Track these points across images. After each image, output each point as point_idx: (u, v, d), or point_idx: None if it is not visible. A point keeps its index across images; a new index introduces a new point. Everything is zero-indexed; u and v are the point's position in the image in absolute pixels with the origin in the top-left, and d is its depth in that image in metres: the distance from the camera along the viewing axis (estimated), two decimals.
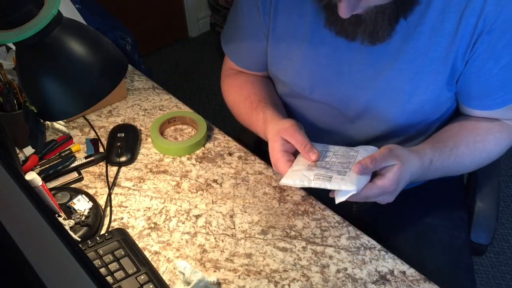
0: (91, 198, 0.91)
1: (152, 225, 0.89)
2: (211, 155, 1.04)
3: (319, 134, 0.98)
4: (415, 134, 0.98)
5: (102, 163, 1.01)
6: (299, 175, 0.81)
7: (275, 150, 0.86)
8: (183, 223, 0.89)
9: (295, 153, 0.87)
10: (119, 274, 0.77)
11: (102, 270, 0.78)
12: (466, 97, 0.91)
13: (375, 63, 0.88)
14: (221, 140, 1.07)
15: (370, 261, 0.83)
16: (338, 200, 0.78)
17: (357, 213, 1.04)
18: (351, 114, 0.96)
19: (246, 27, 1.00)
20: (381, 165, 0.79)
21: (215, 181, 0.98)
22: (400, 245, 0.95)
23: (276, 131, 0.87)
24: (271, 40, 0.97)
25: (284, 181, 0.82)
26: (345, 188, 0.77)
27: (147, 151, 1.05)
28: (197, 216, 0.91)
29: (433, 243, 0.99)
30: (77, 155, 1.02)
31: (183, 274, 0.77)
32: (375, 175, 0.81)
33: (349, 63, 0.90)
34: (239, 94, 1.05)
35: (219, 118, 2.40)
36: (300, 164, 0.83)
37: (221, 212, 0.91)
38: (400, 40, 0.84)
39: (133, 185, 0.97)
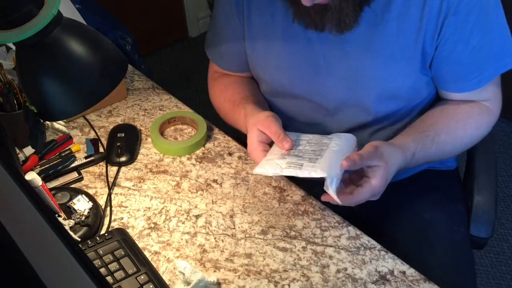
0: (91, 198, 0.91)
1: (152, 225, 0.89)
2: (211, 155, 1.04)
3: (303, 129, 1.00)
4: (396, 121, 0.99)
5: (102, 163, 1.01)
6: (272, 164, 0.83)
7: (251, 140, 0.89)
8: (183, 223, 0.89)
9: (271, 144, 0.90)
10: (119, 274, 0.77)
11: (102, 270, 0.78)
12: (441, 81, 0.93)
13: (348, 53, 0.90)
14: (221, 140, 1.07)
15: (370, 261, 0.83)
16: (328, 192, 0.79)
17: (358, 209, 1.04)
18: (331, 106, 0.98)
19: (224, 29, 1.03)
20: (367, 163, 0.81)
21: (215, 181, 0.98)
22: (400, 241, 0.95)
23: (253, 123, 0.90)
24: (247, 40, 0.99)
25: (257, 170, 0.84)
26: (315, 175, 0.79)
27: (147, 151, 1.05)
28: (197, 216, 0.91)
29: (433, 238, 0.99)
30: (77, 155, 1.02)
31: (183, 274, 0.77)
32: (360, 177, 0.84)
33: (323, 56, 0.92)
34: (224, 95, 1.07)
35: (219, 118, 2.39)
36: (274, 154, 0.86)
37: (221, 212, 0.91)
38: (369, 28, 0.86)
39: (133, 185, 0.97)
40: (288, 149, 0.86)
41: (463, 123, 0.93)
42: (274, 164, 0.83)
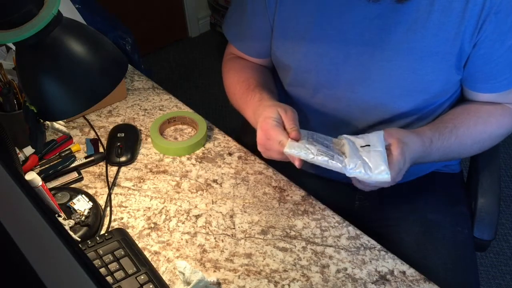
0: (91, 198, 0.91)
1: (152, 225, 0.89)
2: (211, 155, 1.04)
3: (322, 121, 0.98)
4: (419, 118, 0.97)
5: (102, 163, 1.01)
6: (302, 147, 0.80)
7: (270, 119, 0.84)
8: (183, 223, 0.89)
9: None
10: (119, 274, 0.77)
11: (102, 270, 0.78)
12: (472, 81, 0.92)
13: (384, 43, 0.88)
14: (221, 140, 1.07)
15: (370, 261, 0.83)
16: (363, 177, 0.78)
17: (359, 209, 1.04)
18: (357, 96, 0.95)
19: (250, 9, 0.99)
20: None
21: (215, 181, 0.98)
22: (403, 242, 0.95)
23: (273, 104, 0.88)
24: (277, 22, 0.96)
25: (288, 150, 0.80)
26: (348, 167, 0.78)
27: (147, 151, 1.05)
28: (197, 216, 0.91)
29: (436, 239, 0.99)
30: (77, 155, 1.02)
31: (183, 274, 0.77)
32: None
33: (355, 44, 0.89)
34: (238, 76, 1.05)
35: (219, 118, 2.40)
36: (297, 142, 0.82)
37: (221, 212, 0.91)
38: (411, 19, 0.85)
39: (133, 185, 0.97)
40: (294, 138, 0.83)
41: (484, 120, 0.92)
42: (304, 148, 0.80)
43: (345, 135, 0.87)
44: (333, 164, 0.79)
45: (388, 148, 0.81)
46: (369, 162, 0.79)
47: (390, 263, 0.83)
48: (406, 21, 0.85)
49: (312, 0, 0.90)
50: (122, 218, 0.90)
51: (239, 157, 1.03)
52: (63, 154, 1.02)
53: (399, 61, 0.88)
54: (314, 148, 0.80)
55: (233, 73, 1.07)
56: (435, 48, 0.86)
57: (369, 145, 0.82)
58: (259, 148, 0.87)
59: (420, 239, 0.96)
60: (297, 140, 0.82)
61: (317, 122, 1.02)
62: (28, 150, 0.99)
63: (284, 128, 0.84)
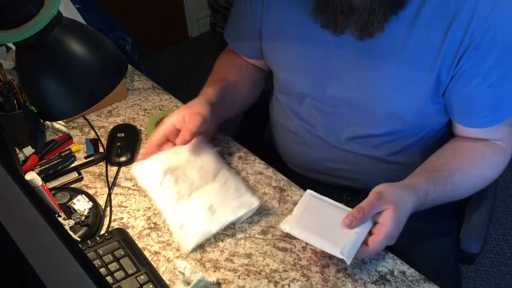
0: (91, 198, 0.91)
1: (152, 225, 0.89)
2: None
3: (309, 131, 0.99)
4: (400, 138, 0.96)
5: (102, 163, 1.01)
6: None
7: (173, 117, 0.91)
8: None
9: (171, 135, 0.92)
10: (119, 274, 0.77)
11: (102, 270, 0.78)
12: (452, 113, 0.91)
13: (362, 66, 0.88)
14: (221, 140, 1.07)
15: (370, 261, 0.83)
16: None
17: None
18: (338, 112, 0.96)
19: (243, 11, 1.01)
20: (371, 212, 0.77)
21: None
22: (387, 247, 0.94)
23: (188, 106, 0.93)
24: (263, 33, 0.98)
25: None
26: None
27: None
28: None
29: (420, 249, 0.98)
30: (77, 155, 1.02)
31: (183, 274, 0.77)
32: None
33: (337, 62, 0.90)
34: (218, 67, 1.11)
35: None
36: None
37: None
38: (388, 46, 0.84)
39: (133, 185, 0.97)
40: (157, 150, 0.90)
41: (476, 163, 0.90)
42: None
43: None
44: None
45: (383, 215, 0.78)
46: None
47: (390, 263, 0.83)
48: (384, 47, 0.84)
49: (296, 12, 0.91)
50: (122, 218, 0.90)
51: (239, 157, 1.03)
52: (63, 154, 1.02)
53: (376, 86, 0.89)
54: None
55: (217, 64, 1.13)
56: (411, 77, 0.85)
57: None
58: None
59: (402, 247, 0.93)
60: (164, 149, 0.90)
61: (304, 130, 1.03)
62: (28, 150, 0.99)
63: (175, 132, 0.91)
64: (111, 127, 1.09)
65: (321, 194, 0.86)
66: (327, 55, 0.90)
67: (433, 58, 0.82)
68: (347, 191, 1.08)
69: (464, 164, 0.89)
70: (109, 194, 0.94)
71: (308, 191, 0.86)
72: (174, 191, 0.87)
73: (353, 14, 0.77)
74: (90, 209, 0.89)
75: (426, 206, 0.85)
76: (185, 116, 0.90)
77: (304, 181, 0.98)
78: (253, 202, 0.87)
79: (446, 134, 0.97)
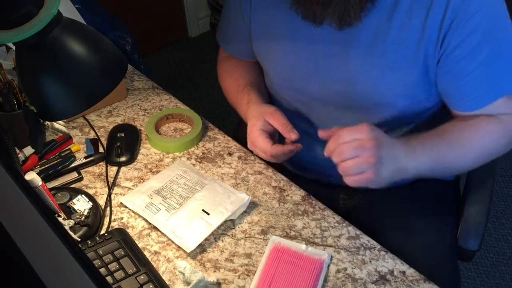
0: (91, 198, 0.91)
1: (152, 225, 0.89)
2: (211, 155, 1.04)
3: (302, 129, 1.00)
4: (392, 128, 0.96)
5: (102, 163, 1.01)
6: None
7: (256, 127, 0.91)
8: None
9: (272, 135, 0.92)
10: (119, 274, 0.77)
11: (102, 270, 0.78)
12: (448, 99, 0.90)
13: (348, 57, 0.89)
14: (221, 140, 1.07)
15: (370, 261, 0.83)
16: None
17: (343, 209, 1.03)
18: (327, 106, 0.97)
19: (233, 11, 1.03)
20: (346, 133, 0.79)
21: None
22: (383, 245, 0.94)
23: (259, 112, 0.93)
24: (253, 31, 1.00)
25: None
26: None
27: (147, 151, 1.05)
28: None
29: (416, 245, 0.98)
30: (77, 155, 1.02)
31: (183, 274, 0.77)
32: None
33: (323, 56, 0.91)
34: (229, 77, 1.11)
35: (219, 117, 2.40)
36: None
37: None
38: (371, 34, 0.85)
39: (133, 185, 0.97)
40: (295, 139, 0.89)
41: (469, 125, 0.88)
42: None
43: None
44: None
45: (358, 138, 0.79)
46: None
47: (390, 263, 0.83)
48: (367, 36, 0.86)
49: (281, 7, 0.92)
50: (122, 218, 0.90)
51: (239, 157, 1.03)
52: (63, 154, 1.02)
53: (364, 75, 0.89)
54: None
55: (225, 75, 1.13)
56: (397, 64, 0.86)
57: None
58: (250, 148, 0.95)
59: (399, 244, 0.93)
60: (297, 138, 0.88)
61: (297, 129, 1.03)
62: (28, 150, 0.99)
63: (271, 133, 0.92)
64: (111, 127, 1.09)
65: (317, 193, 0.86)
66: (314, 50, 0.92)
67: (416, 43, 0.84)
68: (343, 190, 1.08)
69: (457, 125, 0.88)
70: (109, 194, 0.94)
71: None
72: (164, 207, 0.89)
73: (330, 5, 0.81)
74: (90, 209, 0.89)
75: (421, 157, 0.83)
76: (265, 118, 0.91)
77: (301, 182, 0.98)
78: (244, 197, 0.89)
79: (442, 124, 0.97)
